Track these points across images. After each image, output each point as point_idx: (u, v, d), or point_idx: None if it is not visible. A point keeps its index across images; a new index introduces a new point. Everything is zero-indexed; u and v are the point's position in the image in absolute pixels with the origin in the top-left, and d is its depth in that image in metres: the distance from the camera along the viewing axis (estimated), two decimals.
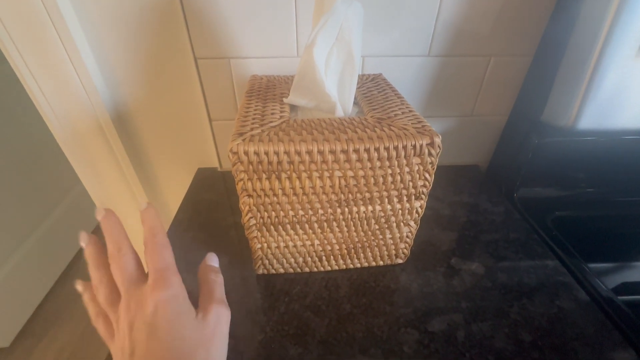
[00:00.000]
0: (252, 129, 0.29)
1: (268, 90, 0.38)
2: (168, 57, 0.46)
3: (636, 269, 0.45)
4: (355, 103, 0.38)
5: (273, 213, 0.32)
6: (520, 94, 0.50)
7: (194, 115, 0.51)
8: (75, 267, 1.28)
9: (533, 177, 0.50)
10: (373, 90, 0.39)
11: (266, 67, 0.46)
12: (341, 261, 0.38)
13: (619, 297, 0.37)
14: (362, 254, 0.38)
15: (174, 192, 0.60)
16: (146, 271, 0.25)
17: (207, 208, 0.49)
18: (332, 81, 0.33)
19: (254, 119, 0.31)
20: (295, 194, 0.31)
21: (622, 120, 0.41)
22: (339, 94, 0.33)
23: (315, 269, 0.39)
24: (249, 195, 0.31)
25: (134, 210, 0.59)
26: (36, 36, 0.42)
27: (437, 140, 0.29)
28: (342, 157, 0.29)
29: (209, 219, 0.47)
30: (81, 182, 0.57)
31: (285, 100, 0.35)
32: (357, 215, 0.34)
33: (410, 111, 0.34)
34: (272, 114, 0.32)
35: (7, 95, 1.03)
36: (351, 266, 0.39)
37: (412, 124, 0.31)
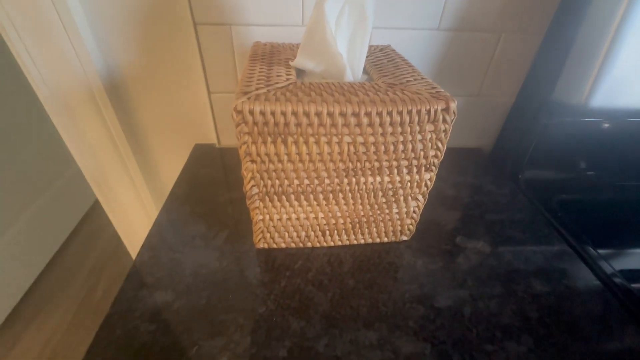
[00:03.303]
0: (257, 89, 0.28)
1: (273, 56, 0.36)
2: (166, 22, 0.43)
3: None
4: (364, 71, 0.36)
5: (277, 181, 0.31)
6: (531, 72, 0.49)
7: (192, 86, 0.49)
8: (66, 251, 1.25)
9: (539, 159, 0.49)
10: (383, 59, 0.38)
11: (269, 36, 0.44)
12: (345, 236, 0.37)
13: (626, 280, 0.36)
14: (366, 229, 0.37)
15: (170, 167, 0.58)
16: None
17: (204, 184, 0.47)
18: (343, 43, 0.31)
19: (259, 79, 0.30)
20: (301, 160, 0.29)
21: (634, 98, 0.40)
22: (348, 57, 0.32)
23: (318, 244, 0.38)
24: (253, 161, 0.29)
25: (127, 184, 0.57)
26: None
27: (453, 105, 0.28)
28: (352, 120, 0.27)
29: (206, 194, 0.45)
30: (73, 164, 0.55)
31: (292, 63, 0.33)
32: (364, 187, 0.32)
33: (422, 78, 0.32)
34: (278, 75, 0.31)
35: None
36: (355, 242, 0.38)
37: (425, 89, 0.29)
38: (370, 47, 0.42)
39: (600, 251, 0.40)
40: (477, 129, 0.57)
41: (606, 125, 0.45)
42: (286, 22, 0.43)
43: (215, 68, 0.47)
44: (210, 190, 0.46)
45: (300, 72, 0.34)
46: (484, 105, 0.54)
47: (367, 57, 0.38)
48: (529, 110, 0.48)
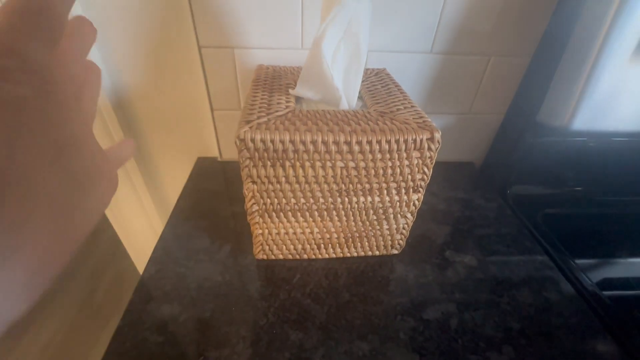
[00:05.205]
0: (258, 117, 0.30)
1: (274, 80, 0.39)
2: (171, 44, 0.46)
3: (619, 265, 0.47)
4: (359, 97, 0.38)
5: (275, 200, 0.33)
6: (517, 94, 0.51)
7: (195, 103, 0.51)
8: None
9: (525, 175, 0.52)
10: (377, 84, 0.40)
11: (270, 58, 0.47)
12: (338, 249, 0.39)
13: (602, 291, 0.39)
14: (359, 244, 0.39)
15: (174, 180, 0.60)
16: None
17: (207, 197, 0.49)
18: (338, 75, 0.33)
19: (260, 107, 0.32)
20: (297, 182, 0.32)
21: (614, 122, 0.42)
22: (344, 87, 0.34)
23: (314, 256, 0.40)
24: (253, 182, 0.31)
25: (132, 198, 0.59)
26: None
27: (437, 135, 0.30)
28: (344, 148, 0.30)
29: (209, 208, 0.47)
30: None
31: (291, 91, 0.35)
32: (356, 205, 0.35)
33: (412, 106, 0.34)
34: (278, 103, 0.33)
35: None
36: (348, 254, 0.40)
37: (413, 118, 0.32)
38: (366, 70, 0.44)
39: (580, 263, 0.42)
40: (468, 144, 0.59)
41: (589, 144, 0.48)
42: (287, 46, 0.46)
43: (218, 87, 0.49)
44: (212, 204, 0.48)
45: (299, 98, 0.37)
46: (475, 122, 0.56)
47: (362, 81, 0.41)
48: (516, 129, 0.51)
